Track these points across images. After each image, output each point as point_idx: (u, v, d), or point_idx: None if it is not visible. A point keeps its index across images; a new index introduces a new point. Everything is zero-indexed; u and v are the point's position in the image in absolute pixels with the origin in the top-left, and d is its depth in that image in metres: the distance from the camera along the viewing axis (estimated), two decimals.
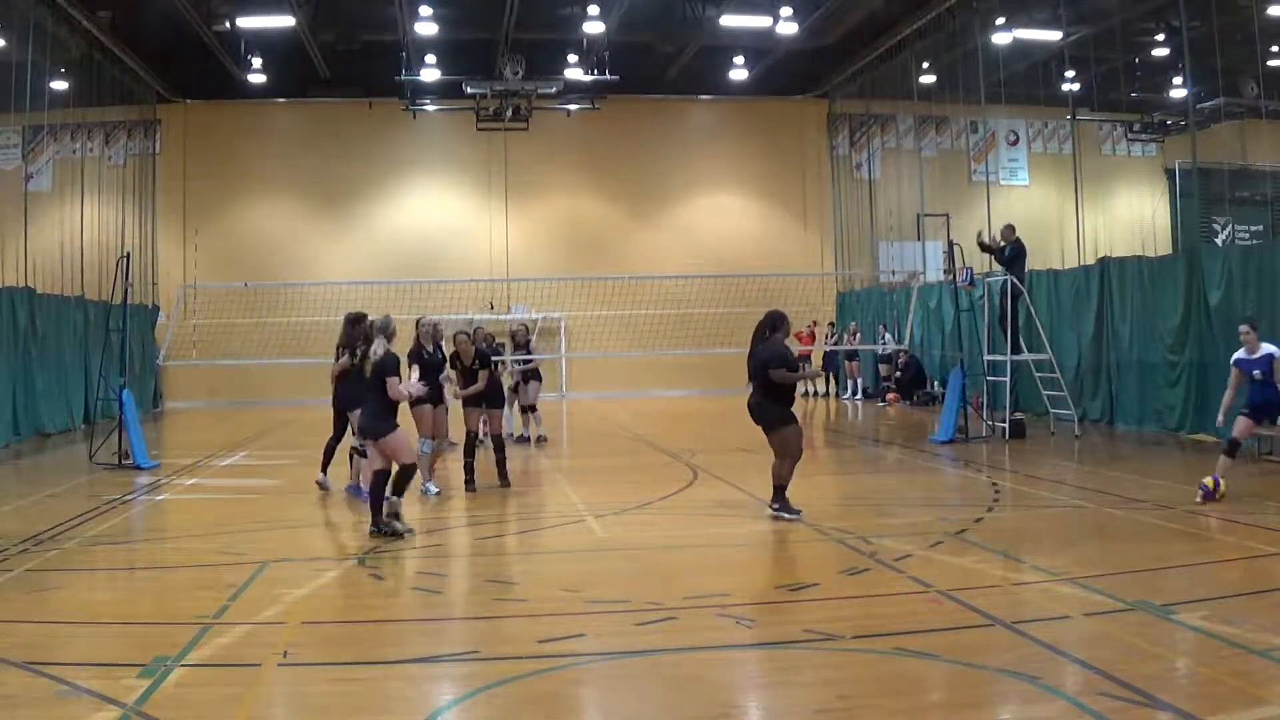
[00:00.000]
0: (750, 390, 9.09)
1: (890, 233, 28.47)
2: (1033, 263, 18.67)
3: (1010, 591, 6.49)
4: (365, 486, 9.40)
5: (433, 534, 9.20)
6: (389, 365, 8.41)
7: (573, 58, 25.44)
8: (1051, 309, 17.85)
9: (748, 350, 9.10)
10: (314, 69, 26.03)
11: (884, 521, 9.01)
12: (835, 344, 25.58)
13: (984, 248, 16.29)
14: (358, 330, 9.70)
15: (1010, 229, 16.58)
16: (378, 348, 8.44)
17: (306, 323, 21.26)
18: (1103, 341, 16.76)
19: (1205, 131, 25.39)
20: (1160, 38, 24.71)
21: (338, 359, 10.58)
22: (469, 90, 25.26)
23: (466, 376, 11.36)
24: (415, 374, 9.76)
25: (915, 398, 22.75)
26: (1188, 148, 23.51)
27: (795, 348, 25.49)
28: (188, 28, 22.17)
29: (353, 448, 10.62)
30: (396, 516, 8.02)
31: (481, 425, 12.15)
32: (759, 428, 9.10)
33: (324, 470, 11.27)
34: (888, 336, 23.73)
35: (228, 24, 22.74)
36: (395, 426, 8.37)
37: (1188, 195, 28.19)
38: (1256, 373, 9.47)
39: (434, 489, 11.00)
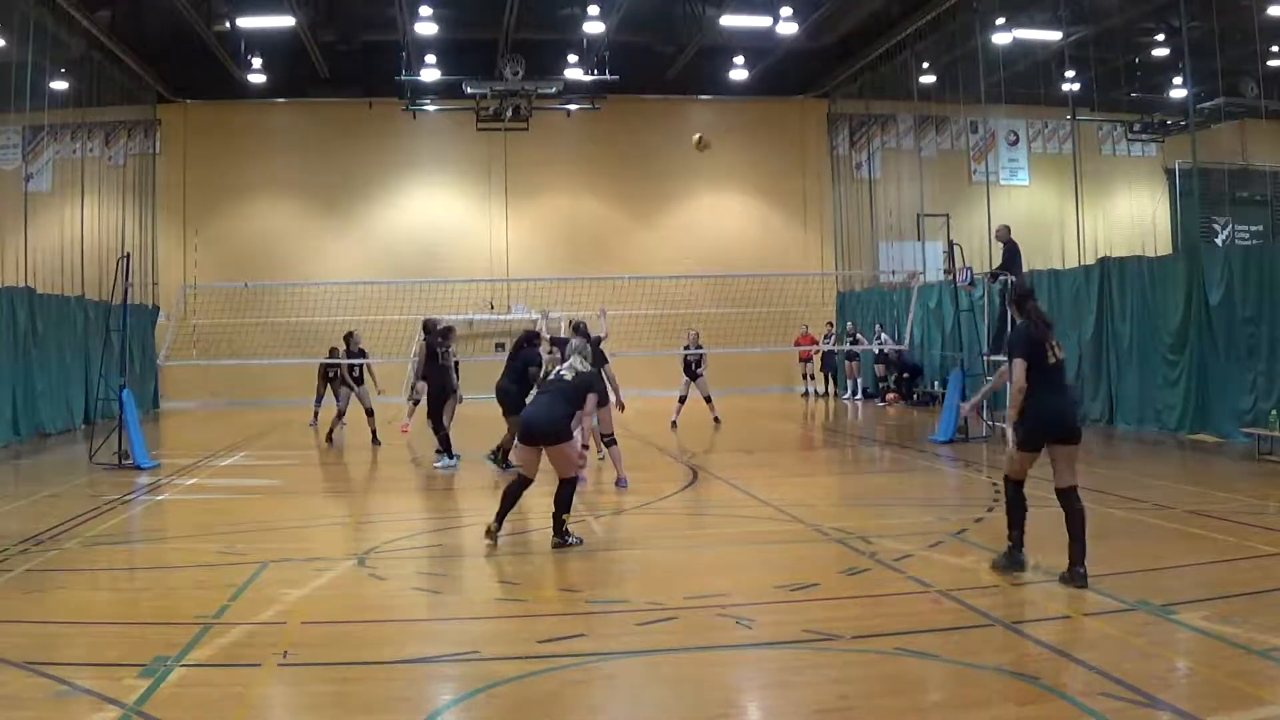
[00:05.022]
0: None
1: (890, 233, 28.45)
2: (1033, 262, 18.69)
3: (1010, 591, 6.50)
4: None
5: (432, 534, 9.22)
6: (596, 384, 9.07)
7: (573, 58, 25.44)
8: (1052, 309, 17.80)
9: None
10: (314, 69, 26.02)
11: (884, 521, 9.00)
12: (833, 344, 25.58)
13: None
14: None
15: (1005, 229, 16.57)
16: (580, 364, 8.65)
17: (306, 323, 21.30)
18: (1103, 341, 16.75)
19: (1205, 131, 25.38)
20: (1160, 38, 24.71)
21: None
22: (469, 90, 25.26)
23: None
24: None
25: (915, 396, 22.75)
26: (1188, 148, 23.53)
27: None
28: (188, 28, 22.15)
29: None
30: (566, 530, 8.03)
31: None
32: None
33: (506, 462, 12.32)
34: (884, 336, 23.72)
35: (228, 24, 22.75)
36: (572, 435, 8.37)
37: (1188, 195, 28.18)
38: None
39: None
